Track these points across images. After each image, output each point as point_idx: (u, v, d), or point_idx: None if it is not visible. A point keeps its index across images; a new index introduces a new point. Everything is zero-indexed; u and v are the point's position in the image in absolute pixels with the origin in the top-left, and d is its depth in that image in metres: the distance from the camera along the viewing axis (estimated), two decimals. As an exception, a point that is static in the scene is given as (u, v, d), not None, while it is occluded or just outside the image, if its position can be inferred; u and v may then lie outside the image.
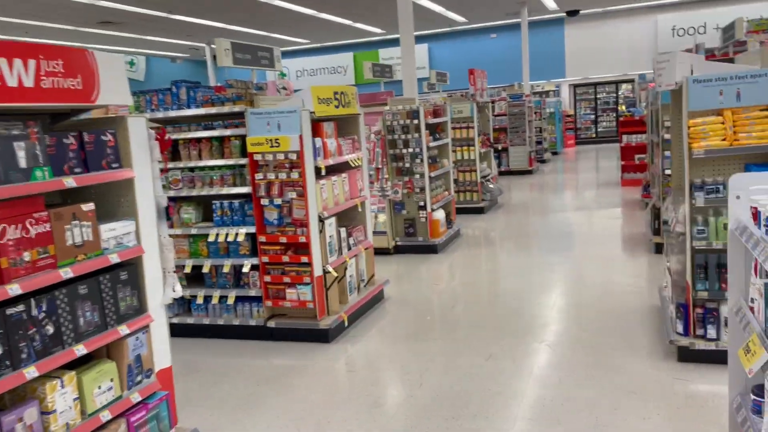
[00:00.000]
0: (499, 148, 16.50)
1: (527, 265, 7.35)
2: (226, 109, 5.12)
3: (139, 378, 3.16)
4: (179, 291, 3.38)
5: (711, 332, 4.06)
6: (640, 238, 8.05)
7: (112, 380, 2.97)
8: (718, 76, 3.82)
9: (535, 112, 18.65)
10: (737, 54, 6.91)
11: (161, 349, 3.34)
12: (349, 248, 5.74)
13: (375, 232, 8.15)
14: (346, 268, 5.62)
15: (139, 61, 26.09)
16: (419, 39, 26.00)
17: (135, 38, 20.82)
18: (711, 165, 4.08)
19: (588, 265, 7.05)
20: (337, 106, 5.39)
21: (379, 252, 8.15)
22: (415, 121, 7.91)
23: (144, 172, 3.20)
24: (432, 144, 8.20)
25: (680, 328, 4.21)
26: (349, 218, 6.08)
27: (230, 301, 5.35)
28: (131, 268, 3.14)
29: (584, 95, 26.60)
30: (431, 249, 8.16)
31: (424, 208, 8.11)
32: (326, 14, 18.85)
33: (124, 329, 3.04)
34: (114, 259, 2.98)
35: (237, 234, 5.19)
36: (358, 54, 26.68)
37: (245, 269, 5.27)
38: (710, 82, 3.84)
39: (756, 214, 2.21)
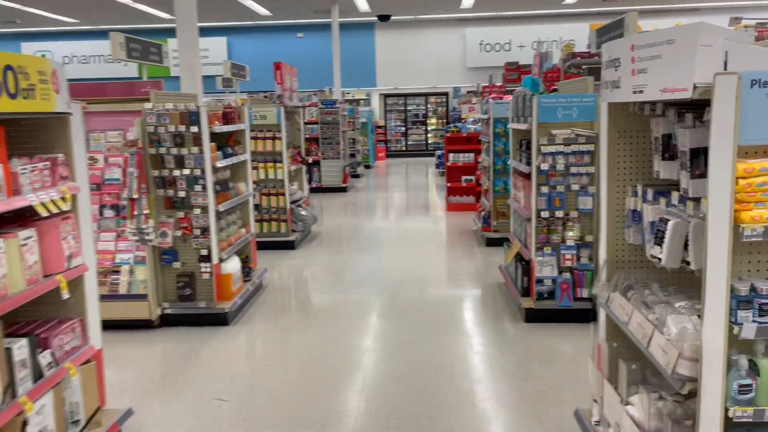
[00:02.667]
0: (310, 161, 14.23)
1: (355, 347, 5.08)
2: None
3: None
4: None
5: None
6: (497, 292, 6.25)
7: None
8: (800, 75, 1.84)
9: (349, 122, 16.77)
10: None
11: None
12: (40, 377, 2.92)
13: (129, 296, 5.32)
14: (26, 424, 2.79)
15: None
16: (217, 31, 22.83)
17: None
18: (757, 252, 2.12)
19: (438, 345, 4.98)
20: (-4, 95, 2.55)
21: (136, 325, 5.32)
22: (194, 129, 5.22)
23: None
24: (221, 163, 5.57)
25: None
26: (42, 312, 3.23)
27: None
28: None
29: (395, 106, 25.61)
30: (219, 319, 5.51)
31: (207, 258, 5.43)
32: (95, -14, 15.00)
33: None
34: None
35: None
36: (142, 42, 22.58)
37: None
38: (784, 86, 1.85)
39: None
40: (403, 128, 25.57)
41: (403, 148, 25.52)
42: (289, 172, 8.61)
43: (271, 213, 8.44)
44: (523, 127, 5.50)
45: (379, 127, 24.35)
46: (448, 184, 11.35)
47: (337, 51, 18.61)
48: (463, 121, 11.86)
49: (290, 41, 22.85)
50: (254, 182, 8.30)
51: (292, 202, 8.74)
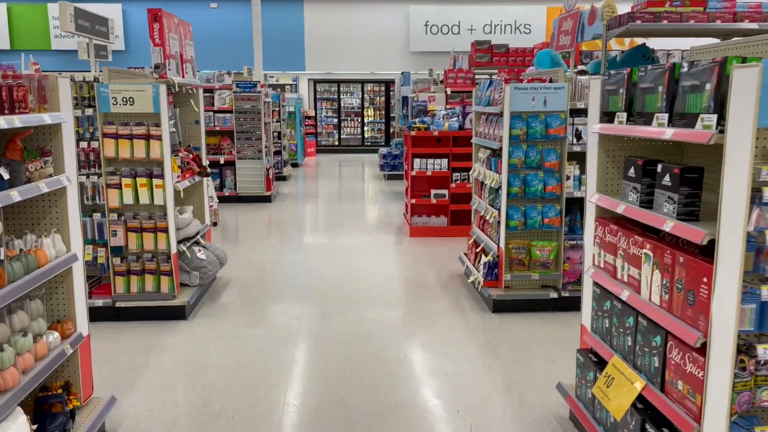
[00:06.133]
0: (222, 161, 10.81)
1: None
2: None
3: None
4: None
5: None
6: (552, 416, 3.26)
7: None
8: None
9: (273, 111, 13.41)
10: None
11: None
12: None
13: None
14: None
15: None
16: (109, -5, 18.63)
17: None
18: None
19: None
20: None
21: None
22: None
23: None
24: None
25: None
26: None
27: None
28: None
29: (326, 94, 22.32)
30: None
31: None
32: None
33: None
34: None
35: None
36: (11, 5, 18.07)
37: None
38: None
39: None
40: (336, 120, 22.34)
41: (336, 143, 22.32)
42: (176, 192, 5.27)
43: (144, 261, 5.08)
44: (669, 134, 2.49)
45: (308, 117, 21.03)
46: (412, 201, 8.32)
47: (258, 22, 15.11)
48: (430, 114, 8.84)
49: (202, 12, 19.04)
50: (115, 209, 4.94)
51: (182, 241, 5.41)
